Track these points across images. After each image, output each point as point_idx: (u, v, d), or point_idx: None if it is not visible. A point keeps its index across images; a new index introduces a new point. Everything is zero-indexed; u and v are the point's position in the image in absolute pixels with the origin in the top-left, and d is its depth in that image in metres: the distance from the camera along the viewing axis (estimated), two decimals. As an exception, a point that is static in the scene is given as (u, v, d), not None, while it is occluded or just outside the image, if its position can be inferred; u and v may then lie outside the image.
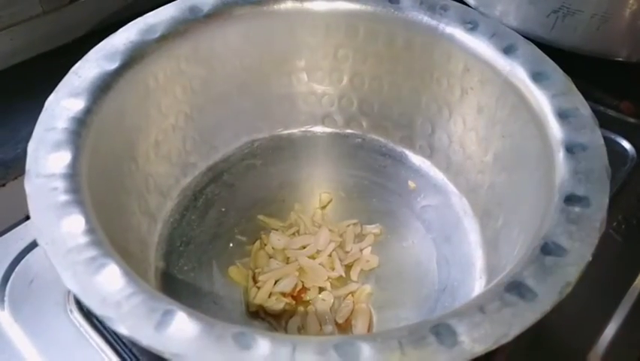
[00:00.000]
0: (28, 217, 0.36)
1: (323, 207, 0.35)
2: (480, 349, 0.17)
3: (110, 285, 0.18)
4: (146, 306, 0.18)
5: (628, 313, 0.31)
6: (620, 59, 0.43)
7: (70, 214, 0.20)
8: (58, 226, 0.20)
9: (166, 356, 0.17)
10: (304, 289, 0.30)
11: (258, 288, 0.30)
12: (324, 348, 0.17)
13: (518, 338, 0.28)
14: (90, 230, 0.20)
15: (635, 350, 0.30)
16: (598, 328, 0.30)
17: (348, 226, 0.33)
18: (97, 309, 0.17)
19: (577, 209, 0.21)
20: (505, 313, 0.18)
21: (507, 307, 0.18)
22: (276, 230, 0.33)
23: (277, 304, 0.29)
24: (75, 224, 0.20)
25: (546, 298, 0.18)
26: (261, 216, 0.34)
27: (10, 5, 0.44)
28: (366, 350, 0.17)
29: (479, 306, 0.18)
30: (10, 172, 0.39)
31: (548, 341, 0.30)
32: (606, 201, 0.21)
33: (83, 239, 0.20)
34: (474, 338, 0.17)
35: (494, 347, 0.17)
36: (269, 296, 0.30)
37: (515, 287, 0.19)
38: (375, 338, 0.17)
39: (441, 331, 0.17)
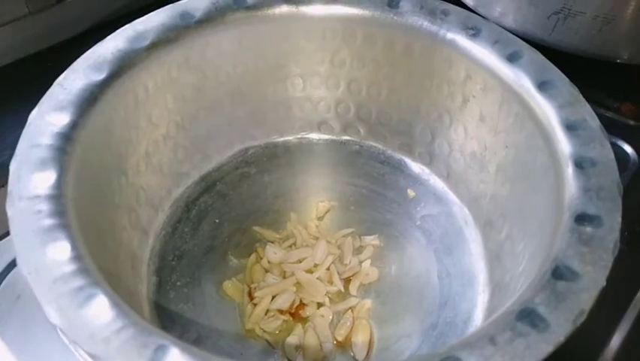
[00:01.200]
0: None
1: (320, 218, 0.34)
2: (491, 385, 0.16)
3: (98, 318, 0.17)
4: (136, 341, 0.17)
5: (635, 321, 0.30)
6: (622, 61, 0.43)
7: (55, 240, 0.19)
8: (42, 253, 0.19)
9: (159, 397, 0.16)
10: (302, 305, 0.29)
11: (254, 305, 0.29)
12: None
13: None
14: (76, 257, 0.19)
15: (640, 361, 0.29)
16: (603, 339, 0.30)
17: (346, 236, 0.32)
18: (84, 346, 0.16)
19: (588, 229, 0.20)
20: (517, 344, 0.17)
21: (519, 338, 0.17)
22: (272, 242, 0.32)
23: (274, 322, 0.28)
24: (60, 251, 0.19)
25: (559, 327, 0.17)
26: (256, 228, 0.33)
27: (-6, 6, 0.43)
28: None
29: (490, 337, 0.17)
30: (-4, 180, 0.38)
31: (553, 354, 0.30)
32: (619, 220, 0.21)
33: (69, 267, 0.19)
34: (485, 373, 0.16)
35: (506, 383, 0.16)
36: (265, 314, 0.29)
37: (527, 316, 0.18)
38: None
39: (450, 365, 0.16)
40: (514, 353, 0.17)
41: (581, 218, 0.21)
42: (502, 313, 0.18)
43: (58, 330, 0.28)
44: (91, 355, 0.16)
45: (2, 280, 0.31)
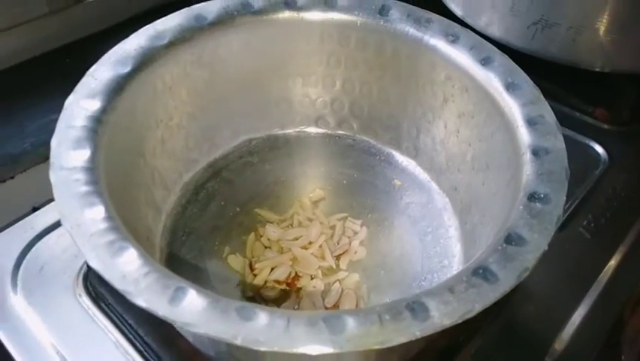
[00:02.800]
0: (35, 208, 0.38)
1: (315, 202, 0.37)
2: (448, 322, 0.20)
3: (128, 265, 0.21)
4: (160, 283, 0.20)
5: (593, 303, 0.34)
6: (596, 69, 0.46)
7: (91, 203, 0.23)
8: (81, 213, 0.22)
9: (178, 325, 0.19)
10: (297, 276, 0.33)
11: (255, 275, 0.33)
12: (315, 320, 0.19)
13: (490, 324, 0.31)
14: (109, 217, 0.23)
15: (599, 337, 0.33)
16: (565, 316, 0.33)
17: (339, 220, 0.36)
18: (118, 285, 0.20)
19: (538, 205, 0.24)
20: (471, 293, 0.21)
21: (472, 288, 0.21)
22: (272, 223, 0.35)
23: (272, 290, 0.32)
24: (96, 212, 0.23)
25: (506, 281, 0.21)
26: (257, 210, 0.36)
27: (16, 5, 0.46)
28: (350, 321, 0.20)
29: (449, 287, 0.21)
30: (19, 166, 0.41)
31: (519, 325, 0.33)
32: (563, 198, 0.24)
33: (103, 225, 0.22)
34: (443, 313, 0.20)
35: (460, 320, 0.20)
36: (264, 283, 0.32)
37: (480, 271, 0.21)
38: (358, 312, 0.20)
39: (415, 307, 0.20)
40: (468, 298, 0.20)
41: (533, 196, 0.24)
42: (462, 270, 0.22)
43: (78, 293, 0.32)
44: (124, 292, 0.20)
45: (27, 253, 0.35)
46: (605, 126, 0.46)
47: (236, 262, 0.33)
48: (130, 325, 0.31)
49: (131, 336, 0.30)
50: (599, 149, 0.43)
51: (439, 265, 0.34)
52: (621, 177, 0.41)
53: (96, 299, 0.32)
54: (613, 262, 0.36)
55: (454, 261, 0.34)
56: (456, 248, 0.34)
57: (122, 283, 0.20)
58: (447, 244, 0.35)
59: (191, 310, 0.20)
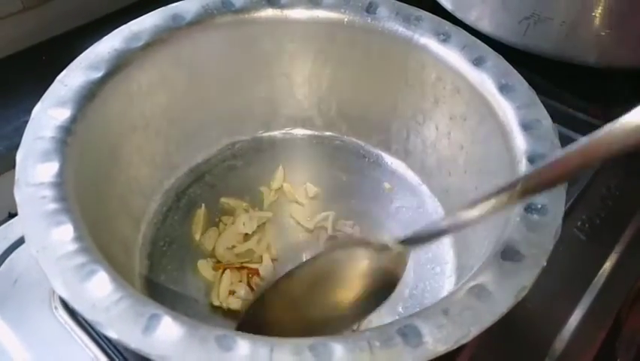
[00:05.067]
0: (11, 215, 0.36)
1: (312, 198, 0.36)
2: (442, 348, 0.19)
3: (99, 291, 0.19)
4: (133, 310, 0.19)
5: (590, 305, 0.33)
6: (588, 65, 0.45)
7: (59, 222, 0.21)
8: (48, 234, 0.21)
9: (152, 358, 0.18)
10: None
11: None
12: (300, 349, 0.18)
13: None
14: (79, 237, 0.21)
15: (597, 336, 0.32)
16: (564, 317, 0.32)
17: (325, 220, 0.35)
18: (87, 314, 0.19)
19: (535, 217, 0.23)
20: (466, 315, 0.19)
21: (467, 309, 0.20)
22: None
23: (235, 302, 0.30)
24: (64, 232, 0.21)
25: (503, 301, 0.20)
26: (224, 199, 0.35)
27: (-11, 2, 0.44)
28: (338, 350, 0.18)
29: (443, 309, 0.20)
30: (-11, 171, 0.39)
31: (518, 328, 0.32)
32: (562, 210, 0.23)
33: (72, 246, 0.21)
34: (437, 339, 0.19)
35: (455, 346, 0.19)
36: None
37: (475, 291, 0.20)
38: (346, 339, 0.19)
39: (407, 332, 0.19)
40: (463, 322, 0.19)
41: (530, 207, 0.23)
42: (456, 289, 0.21)
43: (54, 306, 0.30)
44: (93, 322, 0.18)
45: (0, 266, 0.33)
46: (599, 123, 0.45)
47: (205, 267, 0.32)
48: (109, 340, 0.29)
49: (110, 352, 0.29)
50: (592, 147, 0.42)
51: (432, 272, 0.33)
52: (616, 176, 0.40)
53: (74, 313, 0.31)
54: (609, 263, 0.35)
55: (447, 268, 0.33)
56: (448, 255, 0.33)
57: (91, 312, 0.19)
58: (439, 250, 0.33)
59: (166, 340, 0.18)
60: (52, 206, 0.22)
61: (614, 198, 0.39)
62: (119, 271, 0.21)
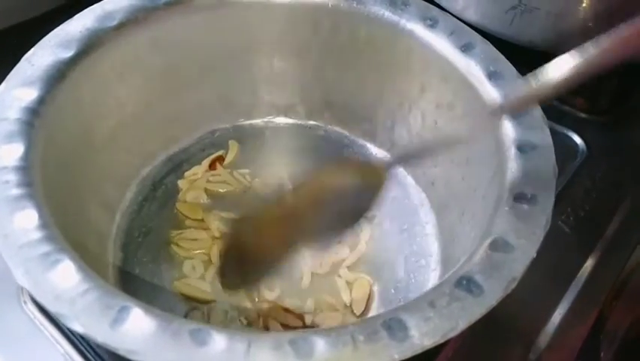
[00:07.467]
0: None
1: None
2: (429, 343, 0.18)
3: (64, 281, 0.18)
4: (101, 303, 0.18)
5: (575, 299, 0.33)
6: (575, 56, 0.44)
7: (23, 208, 0.20)
8: (10, 221, 0.20)
9: (121, 353, 0.17)
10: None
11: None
12: (279, 343, 0.17)
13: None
14: (43, 225, 0.20)
15: (581, 330, 0.32)
16: (547, 311, 0.32)
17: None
18: (50, 306, 0.17)
19: (525, 207, 0.22)
20: (454, 307, 0.19)
21: (455, 302, 0.19)
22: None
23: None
24: (28, 219, 0.20)
25: (492, 293, 0.19)
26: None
27: (-42, -20, 0.42)
28: (319, 344, 0.17)
29: (430, 301, 0.19)
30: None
31: (501, 322, 0.31)
32: (552, 200, 0.22)
33: (36, 234, 0.19)
34: (423, 333, 0.18)
35: (442, 340, 0.18)
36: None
37: (464, 282, 0.19)
38: (329, 333, 0.18)
39: (392, 325, 0.18)
40: (451, 314, 0.18)
41: (519, 197, 0.23)
42: (444, 280, 0.20)
43: (24, 300, 0.29)
44: (57, 314, 0.17)
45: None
46: (583, 115, 0.45)
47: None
48: (81, 335, 0.28)
49: (81, 347, 0.28)
50: (577, 139, 0.42)
51: (417, 265, 0.32)
52: (600, 168, 0.40)
53: (43, 307, 0.29)
54: (593, 256, 0.35)
55: (432, 260, 0.32)
56: (433, 247, 0.32)
57: (54, 304, 0.17)
58: (424, 242, 0.33)
59: (136, 334, 0.17)
60: (16, 191, 0.20)
61: (599, 191, 0.39)
62: (91, 262, 0.20)
